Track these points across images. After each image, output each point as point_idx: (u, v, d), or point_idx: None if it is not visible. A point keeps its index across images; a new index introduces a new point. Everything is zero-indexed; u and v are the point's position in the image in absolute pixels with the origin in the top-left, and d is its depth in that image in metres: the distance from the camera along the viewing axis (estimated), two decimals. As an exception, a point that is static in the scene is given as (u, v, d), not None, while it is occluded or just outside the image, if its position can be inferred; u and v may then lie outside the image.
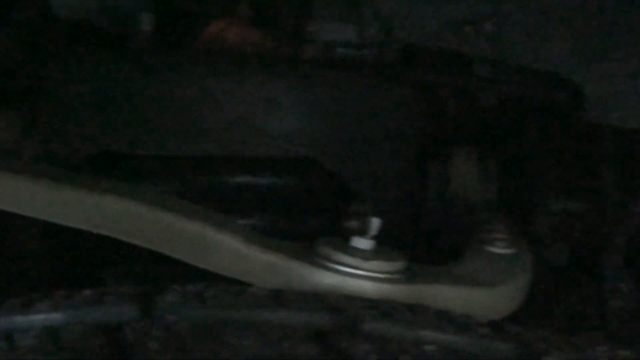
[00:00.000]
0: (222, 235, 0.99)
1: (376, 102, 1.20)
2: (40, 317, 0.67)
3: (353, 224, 1.02)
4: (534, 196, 1.26)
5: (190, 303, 0.69)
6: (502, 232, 1.15)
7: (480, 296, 1.03)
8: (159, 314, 0.69)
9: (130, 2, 1.20)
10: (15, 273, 1.18)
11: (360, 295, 0.96)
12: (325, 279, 0.98)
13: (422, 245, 1.24)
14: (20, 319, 0.66)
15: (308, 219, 1.17)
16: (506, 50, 1.20)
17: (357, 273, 0.97)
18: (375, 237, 1.01)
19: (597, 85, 1.19)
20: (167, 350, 0.61)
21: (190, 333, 0.64)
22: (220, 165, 1.17)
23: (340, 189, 1.19)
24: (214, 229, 0.99)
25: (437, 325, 0.72)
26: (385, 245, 1.02)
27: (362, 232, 1.01)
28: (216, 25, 1.24)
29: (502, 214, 1.25)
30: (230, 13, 1.26)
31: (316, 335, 0.67)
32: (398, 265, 1.00)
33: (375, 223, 1.01)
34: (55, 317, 0.66)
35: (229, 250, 0.99)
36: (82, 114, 1.16)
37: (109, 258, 1.13)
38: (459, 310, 0.99)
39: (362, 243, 1.01)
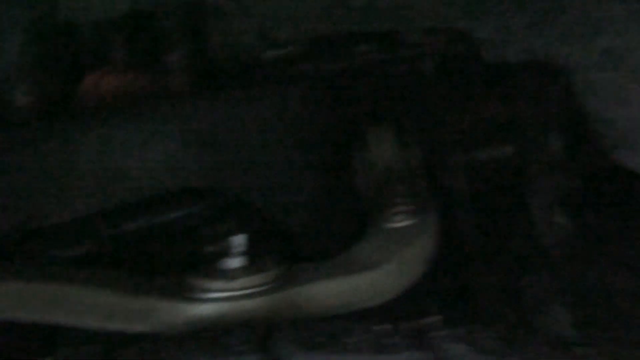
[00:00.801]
0: (92, 291, 0.99)
1: (255, 116, 1.17)
2: None
3: (214, 247, 1.01)
4: (450, 152, 1.21)
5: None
6: (404, 204, 1.11)
7: (369, 280, 1.00)
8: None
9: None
10: None
11: (233, 317, 0.95)
12: (198, 310, 0.97)
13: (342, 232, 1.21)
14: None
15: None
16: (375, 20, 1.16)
17: (222, 296, 0.96)
18: (246, 252, 0.99)
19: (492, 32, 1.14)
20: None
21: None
22: (117, 217, 1.17)
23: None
24: (82, 287, 1.00)
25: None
26: (259, 256, 1.00)
27: (229, 253, 0.99)
28: (91, 77, 1.25)
29: (422, 181, 1.21)
30: (106, 60, 1.27)
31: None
32: (269, 275, 0.98)
33: (240, 240, 0.99)
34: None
35: (102, 304, 0.99)
36: None
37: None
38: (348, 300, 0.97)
39: (230, 263, 0.99)
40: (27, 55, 1.25)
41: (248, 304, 0.96)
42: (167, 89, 1.22)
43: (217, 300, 0.96)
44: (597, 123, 1.14)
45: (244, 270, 0.98)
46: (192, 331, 0.87)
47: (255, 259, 1.00)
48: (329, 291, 0.98)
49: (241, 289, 0.97)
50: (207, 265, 1.00)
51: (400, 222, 1.08)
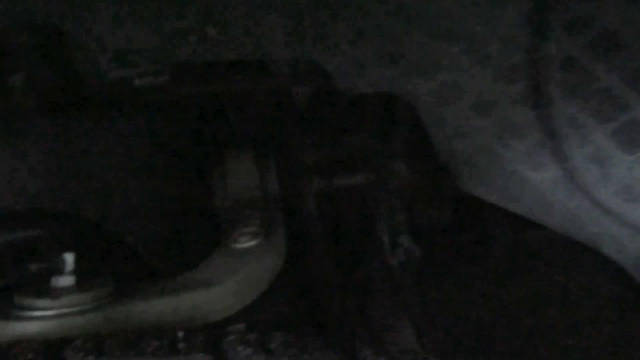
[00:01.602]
0: None
1: (99, 137, 1.17)
2: None
3: (41, 265, 0.99)
4: (304, 180, 1.22)
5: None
6: (253, 226, 1.11)
7: (200, 299, 0.99)
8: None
9: None
10: None
11: (57, 334, 0.93)
12: (22, 328, 0.95)
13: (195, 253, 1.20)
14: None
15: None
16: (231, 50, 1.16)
17: (47, 314, 0.94)
18: (74, 271, 0.98)
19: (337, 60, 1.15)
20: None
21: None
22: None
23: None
24: None
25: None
26: (92, 274, 0.99)
27: (54, 272, 0.98)
28: None
29: (274, 206, 1.21)
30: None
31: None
32: (96, 293, 0.96)
33: (68, 258, 0.98)
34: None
35: None
36: None
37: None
38: (179, 317, 0.96)
39: (60, 281, 0.98)
40: None
41: (73, 321, 0.94)
42: (13, 108, 1.21)
43: (43, 318, 0.94)
44: (442, 153, 1.15)
45: (71, 289, 0.97)
46: None
47: (84, 278, 0.98)
48: (159, 308, 0.97)
49: (66, 306, 0.95)
50: (38, 283, 0.98)
51: (245, 243, 1.08)
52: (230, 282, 1.01)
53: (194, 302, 0.99)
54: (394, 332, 1.08)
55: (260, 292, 1.03)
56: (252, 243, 1.08)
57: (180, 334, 0.77)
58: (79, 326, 0.94)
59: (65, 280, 0.98)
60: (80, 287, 0.97)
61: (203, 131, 1.29)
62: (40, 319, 0.95)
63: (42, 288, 0.98)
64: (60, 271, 0.98)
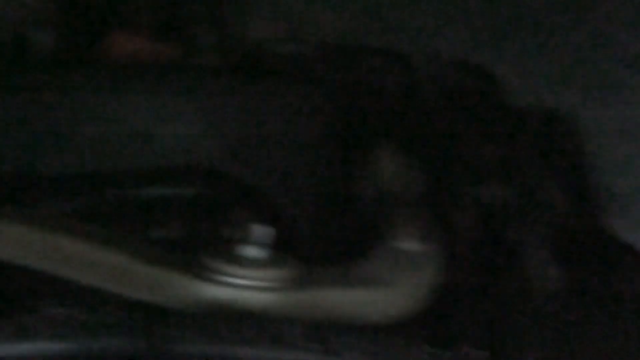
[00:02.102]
0: (106, 252, 0.97)
1: (276, 106, 1.17)
2: None
3: (237, 232, 0.99)
4: (454, 188, 1.23)
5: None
6: (412, 227, 1.12)
7: (375, 297, 1.01)
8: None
9: (24, 14, 1.18)
10: None
11: (248, 307, 0.94)
12: (209, 292, 0.95)
13: (344, 243, 1.22)
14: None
15: (209, 227, 1.15)
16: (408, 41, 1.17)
17: (237, 283, 0.95)
18: (267, 245, 0.98)
19: (510, 67, 1.16)
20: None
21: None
22: (122, 179, 1.15)
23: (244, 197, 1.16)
24: (97, 246, 0.98)
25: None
26: (281, 251, 0.99)
27: (251, 241, 0.98)
28: (113, 37, 1.22)
29: (426, 208, 1.22)
30: (131, 24, 1.24)
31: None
32: (288, 272, 0.97)
33: (265, 231, 0.98)
34: None
35: (113, 266, 0.97)
36: None
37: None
38: (347, 315, 0.97)
39: (250, 252, 0.98)
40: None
41: (263, 297, 0.95)
42: (193, 62, 1.21)
43: (234, 286, 0.95)
44: (600, 189, 1.17)
45: (265, 263, 0.97)
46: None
47: (274, 254, 0.99)
48: (342, 300, 0.98)
49: (260, 280, 0.96)
50: (224, 249, 0.98)
51: (410, 245, 1.09)
52: (407, 285, 1.02)
53: (374, 299, 1.00)
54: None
55: (422, 301, 1.05)
56: (418, 247, 1.10)
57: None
58: (265, 303, 0.95)
59: (256, 252, 0.98)
60: (273, 263, 0.97)
61: (354, 118, 1.30)
62: (231, 287, 0.95)
63: (228, 254, 0.98)
64: (251, 241, 0.99)
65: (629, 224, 1.14)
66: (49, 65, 1.19)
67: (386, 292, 1.01)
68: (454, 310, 1.15)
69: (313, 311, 0.97)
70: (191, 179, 1.15)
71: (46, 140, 1.13)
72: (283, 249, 1.02)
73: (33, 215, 1.04)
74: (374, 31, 1.16)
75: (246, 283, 0.95)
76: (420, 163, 1.27)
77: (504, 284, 1.19)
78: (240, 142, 1.16)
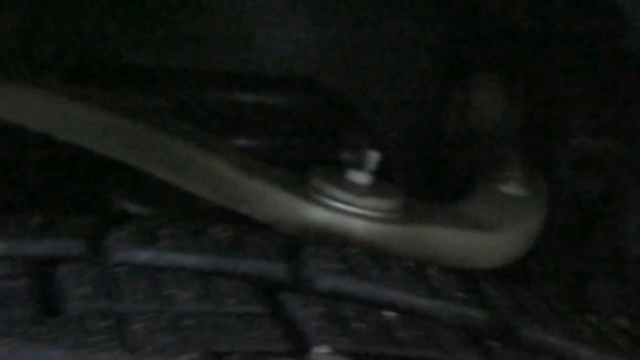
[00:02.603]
0: (208, 157, 0.93)
1: (386, 20, 1.11)
2: None
3: (349, 155, 0.95)
4: (558, 130, 1.17)
5: (137, 242, 0.63)
6: (516, 170, 1.08)
7: (482, 241, 0.96)
8: (106, 252, 0.63)
9: None
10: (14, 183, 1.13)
11: (350, 235, 0.90)
12: (315, 213, 0.91)
13: (435, 177, 1.17)
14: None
15: (306, 143, 1.10)
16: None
17: (348, 210, 0.91)
18: (373, 172, 0.94)
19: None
20: (98, 298, 0.55)
21: (126, 278, 0.58)
22: (216, 81, 1.10)
23: (342, 114, 1.12)
24: (199, 149, 0.93)
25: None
26: (384, 179, 0.95)
27: (358, 165, 0.94)
28: None
29: (521, 148, 1.17)
30: None
31: (265, 291, 0.60)
32: (395, 203, 0.93)
33: (373, 156, 0.94)
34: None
35: (214, 172, 0.92)
36: (76, 17, 1.09)
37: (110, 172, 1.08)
38: (455, 256, 0.93)
39: (358, 177, 0.94)
40: None
41: (369, 227, 0.91)
42: None
43: (342, 212, 0.91)
44: None
45: (372, 190, 0.93)
46: None
47: (380, 182, 0.95)
48: (452, 240, 0.94)
49: (367, 208, 0.91)
50: (333, 172, 0.94)
51: (515, 189, 1.05)
52: (516, 231, 0.98)
53: (480, 243, 0.96)
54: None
55: (527, 248, 1.01)
56: (523, 191, 1.05)
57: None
58: (373, 234, 0.91)
59: (365, 179, 0.94)
60: (382, 192, 0.93)
61: (460, 42, 1.23)
62: (339, 212, 0.91)
63: (337, 177, 0.94)
64: (359, 166, 0.94)
65: None
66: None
67: (492, 236, 0.96)
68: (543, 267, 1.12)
69: (417, 248, 0.92)
70: (291, 89, 1.10)
71: (147, 31, 1.08)
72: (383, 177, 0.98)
73: (131, 106, 0.99)
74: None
75: (354, 210, 0.91)
76: (522, 100, 1.21)
77: (596, 244, 1.15)
78: (346, 56, 1.11)
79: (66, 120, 0.94)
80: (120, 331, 0.52)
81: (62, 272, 0.59)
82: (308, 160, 0.99)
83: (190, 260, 0.64)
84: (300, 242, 0.71)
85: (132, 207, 1.09)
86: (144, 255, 0.63)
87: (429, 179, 1.18)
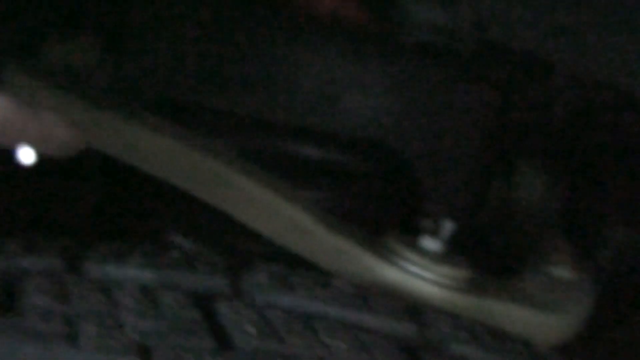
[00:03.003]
0: (291, 206, 0.96)
1: (458, 96, 1.16)
2: (132, 273, 0.64)
3: (425, 223, 0.99)
4: (599, 220, 1.23)
5: (278, 287, 0.65)
6: (563, 254, 1.12)
7: (542, 319, 1.00)
8: (248, 292, 0.66)
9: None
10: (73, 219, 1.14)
11: (424, 300, 0.93)
12: (391, 274, 0.94)
13: (477, 254, 1.21)
14: (112, 270, 0.63)
15: (373, 204, 1.14)
16: (596, 65, 1.16)
17: (424, 275, 0.94)
18: (445, 241, 0.98)
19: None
20: (265, 338, 0.58)
21: (283, 322, 0.60)
22: (290, 134, 1.14)
23: (407, 180, 1.15)
24: (283, 199, 0.96)
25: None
26: (452, 250, 0.99)
27: (432, 233, 0.98)
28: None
29: (561, 233, 1.22)
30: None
31: (405, 350, 0.63)
32: (465, 273, 0.97)
33: (448, 226, 0.98)
34: (147, 276, 0.63)
35: (294, 222, 0.95)
36: (160, 54, 1.12)
37: (172, 213, 1.10)
38: (517, 332, 0.97)
39: (431, 244, 0.97)
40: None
41: (440, 294, 0.95)
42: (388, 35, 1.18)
43: (416, 276, 0.94)
44: None
45: (448, 260, 0.97)
46: None
47: (450, 251, 0.99)
48: (516, 317, 0.98)
49: (440, 275, 0.95)
50: (410, 237, 0.98)
51: (564, 273, 1.09)
52: (573, 313, 1.02)
53: (541, 321, 1.00)
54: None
55: (578, 331, 1.05)
56: (572, 275, 1.09)
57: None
58: (442, 300, 0.95)
59: (436, 246, 0.98)
60: (455, 262, 0.97)
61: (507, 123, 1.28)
62: (413, 276, 0.95)
63: (414, 243, 0.98)
64: (433, 233, 0.98)
65: None
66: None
67: (550, 316, 1.01)
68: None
69: (482, 319, 0.96)
70: (367, 153, 1.14)
71: (234, 78, 1.11)
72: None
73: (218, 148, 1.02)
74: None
75: (429, 276, 0.95)
76: (563, 187, 1.26)
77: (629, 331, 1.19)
78: (417, 126, 1.15)
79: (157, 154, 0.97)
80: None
81: (222, 308, 0.61)
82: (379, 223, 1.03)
83: (328, 310, 0.66)
84: (423, 306, 0.74)
85: (184, 242, 1.11)
86: (286, 300, 0.66)
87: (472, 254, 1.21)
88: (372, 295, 0.71)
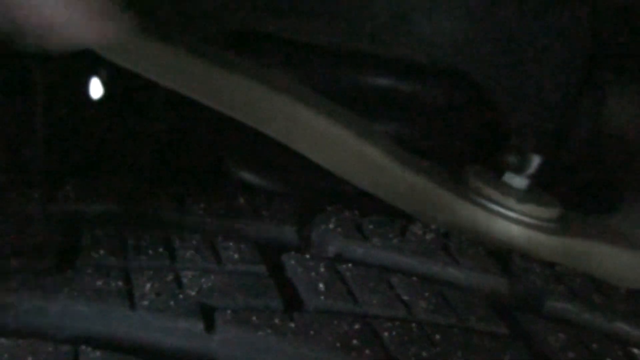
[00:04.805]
0: (360, 140, 0.89)
1: (542, 22, 1.08)
2: (193, 220, 0.59)
3: (511, 158, 0.92)
4: None
5: (350, 236, 0.60)
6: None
7: (633, 260, 0.93)
8: (318, 243, 0.61)
9: None
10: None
11: (508, 240, 0.87)
12: (473, 214, 0.88)
13: (568, 185, 1.14)
14: (173, 217, 0.58)
15: (452, 137, 1.07)
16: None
17: (508, 214, 0.88)
18: (531, 177, 0.91)
19: None
20: (336, 297, 0.53)
21: (356, 277, 0.55)
22: (364, 62, 1.07)
23: (489, 111, 1.08)
24: (354, 133, 0.90)
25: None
26: (539, 186, 0.92)
27: (518, 169, 0.91)
28: None
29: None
30: None
31: (498, 310, 0.57)
32: (553, 211, 0.90)
33: (535, 161, 0.91)
34: (211, 223, 0.58)
35: (364, 158, 0.89)
36: None
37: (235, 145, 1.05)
38: (613, 275, 0.90)
39: (516, 181, 0.91)
40: None
41: (530, 235, 0.88)
42: None
43: (504, 217, 0.88)
44: None
45: (534, 197, 0.90)
46: None
47: (537, 188, 0.92)
48: (608, 258, 0.91)
49: (528, 215, 0.89)
50: (495, 175, 0.91)
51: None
52: None
53: (631, 262, 0.93)
54: None
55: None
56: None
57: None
58: (534, 243, 0.88)
59: (522, 183, 0.91)
60: (542, 200, 0.90)
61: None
62: (501, 217, 0.88)
63: (499, 181, 0.91)
64: (518, 169, 0.91)
65: None
66: None
67: (642, 256, 0.94)
68: None
69: (570, 260, 0.90)
70: (442, 82, 1.07)
71: (300, 3, 1.05)
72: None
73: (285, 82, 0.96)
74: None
75: (516, 216, 0.88)
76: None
77: None
78: (497, 54, 1.07)
79: (217, 87, 0.91)
80: (372, 338, 0.49)
81: (290, 261, 0.56)
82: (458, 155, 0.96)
83: (407, 262, 0.61)
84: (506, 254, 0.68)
85: (251, 179, 1.06)
86: (359, 252, 0.60)
87: (564, 185, 1.14)
88: (455, 242, 0.65)
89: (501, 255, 0.69)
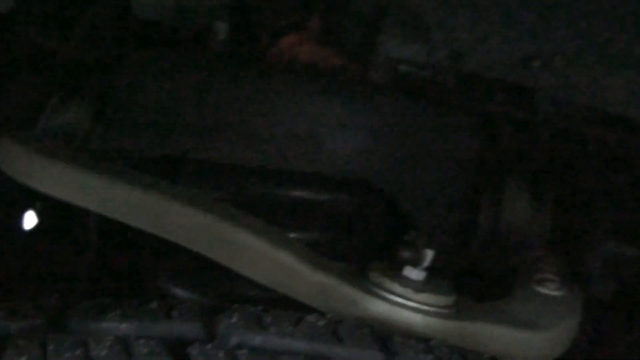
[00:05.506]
0: (275, 249, 1.00)
1: (437, 129, 1.20)
2: (110, 326, 0.68)
3: (406, 253, 1.03)
4: (587, 235, 1.25)
5: (250, 327, 0.70)
6: (552, 271, 1.15)
7: (528, 339, 1.03)
8: (222, 335, 0.70)
9: (206, 9, 1.21)
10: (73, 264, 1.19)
11: (408, 327, 0.97)
12: (375, 306, 0.98)
13: (468, 277, 1.24)
14: (93, 325, 0.67)
15: (359, 240, 1.18)
16: (570, 87, 1.19)
17: (407, 304, 0.98)
18: (427, 269, 1.02)
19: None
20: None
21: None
22: (277, 178, 1.18)
23: (393, 215, 1.19)
24: (267, 241, 1.00)
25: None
26: (436, 277, 1.02)
27: (414, 263, 1.01)
28: (288, 40, 1.25)
29: (552, 250, 1.25)
30: (300, 27, 1.27)
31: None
32: (448, 299, 1.00)
33: (429, 255, 1.01)
34: (125, 328, 0.67)
35: (279, 264, 0.99)
36: (149, 115, 1.17)
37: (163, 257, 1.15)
38: (502, 352, 1.00)
39: (414, 273, 1.01)
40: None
41: (425, 321, 0.98)
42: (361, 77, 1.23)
43: (401, 306, 0.98)
44: None
45: (429, 287, 1.00)
46: None
47: (434, 278, 1.02)
48: (499, 337, 1.01)
49: (423, 303, 0.99)
50: (392, 268, 1.02)
51: (553, 291, 1.11)
52: (558, 330, 1.05)
53: (526, 340, 1.03)
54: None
55: (567, 347, 1.08)
56: (561, 292, 1.12)
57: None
58: (428, 328, 0.98)
59: (419, 275, 1.01)
60: (437, 288, 1.01)
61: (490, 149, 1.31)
62: (398, 306, 0.98)
63: (396, 274, 1.01)
64: (415, 263, 1.02)
65: None
66: (223, 55, 1.22)
67: (535, 335, 1.03)
68: None
69: (468, 342, 0.99)
70: (349, 191, 1.18)
71: (213, 126, 1.16)
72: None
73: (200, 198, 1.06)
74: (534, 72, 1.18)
75: (415, 305, 0.98)
76: (551, 205, 1.28)
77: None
78: (396, 160, 1.19)
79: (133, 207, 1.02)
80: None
81: (193, 353, 0.65)
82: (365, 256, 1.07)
83: (296, 345, 0.70)
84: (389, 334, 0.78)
85: (180, 293, 1.16)
86: (257, 340, 0.70)
87: (462, 277, 1.24)
88: (344, 327, 0.75)
89: (384, 335, 0.78)
